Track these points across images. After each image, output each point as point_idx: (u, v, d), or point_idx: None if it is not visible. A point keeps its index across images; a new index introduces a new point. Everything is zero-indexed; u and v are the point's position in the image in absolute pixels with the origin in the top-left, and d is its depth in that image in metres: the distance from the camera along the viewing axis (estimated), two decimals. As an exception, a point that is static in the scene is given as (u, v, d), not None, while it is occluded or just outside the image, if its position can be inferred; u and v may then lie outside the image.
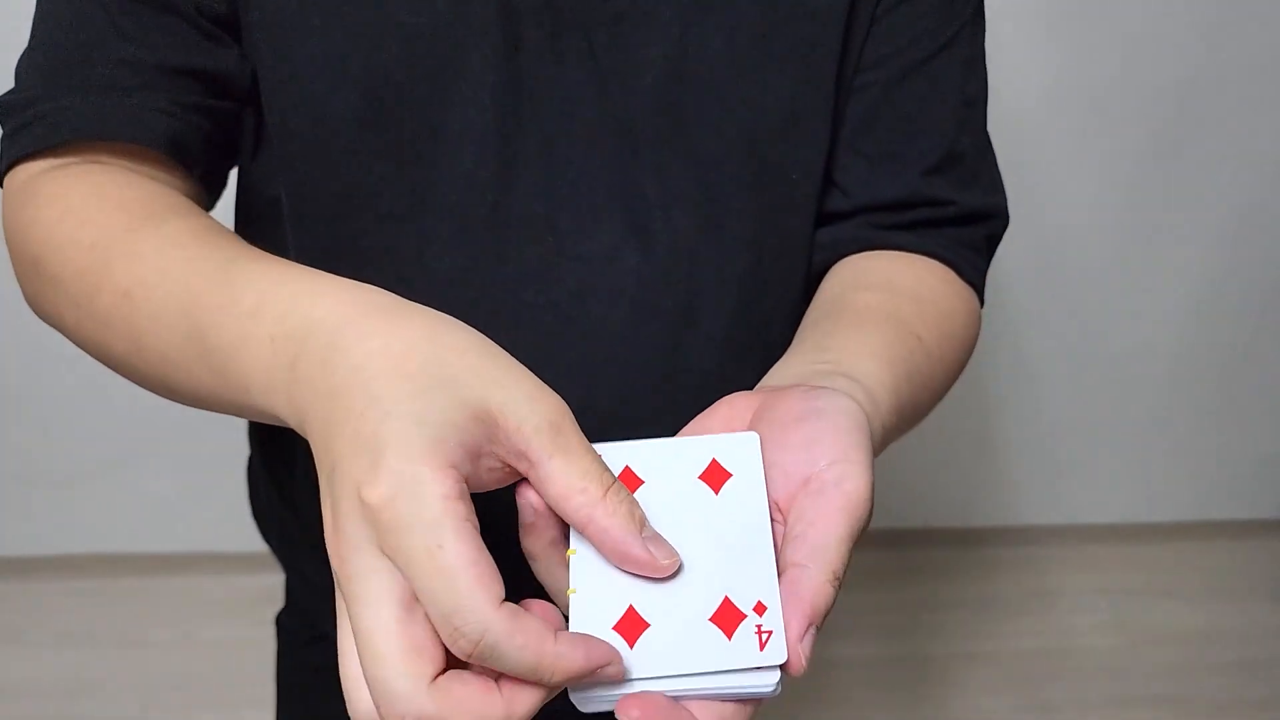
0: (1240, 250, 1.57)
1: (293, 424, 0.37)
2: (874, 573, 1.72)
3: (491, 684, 0.31)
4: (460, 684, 0.31)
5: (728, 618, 0.34)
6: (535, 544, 0.36)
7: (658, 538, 0.35)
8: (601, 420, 0.53)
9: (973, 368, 1.77)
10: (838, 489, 0.36)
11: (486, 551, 0.31)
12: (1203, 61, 1.40)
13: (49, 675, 1.49)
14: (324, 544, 0.34)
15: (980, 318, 0.61)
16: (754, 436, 0.38)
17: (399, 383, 0.33)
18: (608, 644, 0.32)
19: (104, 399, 1.51)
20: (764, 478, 0.37)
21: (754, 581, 0.34)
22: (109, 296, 0.43)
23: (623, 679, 0.32)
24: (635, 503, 0.35)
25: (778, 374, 0.46)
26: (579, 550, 0.35)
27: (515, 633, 0.30)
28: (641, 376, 0.55)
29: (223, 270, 0.41)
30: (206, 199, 0.55)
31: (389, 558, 0.31)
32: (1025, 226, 1.50)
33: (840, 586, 0.35)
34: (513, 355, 0.54)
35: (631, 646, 0.33)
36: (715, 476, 0.37)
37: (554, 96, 0.51)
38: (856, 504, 0.36)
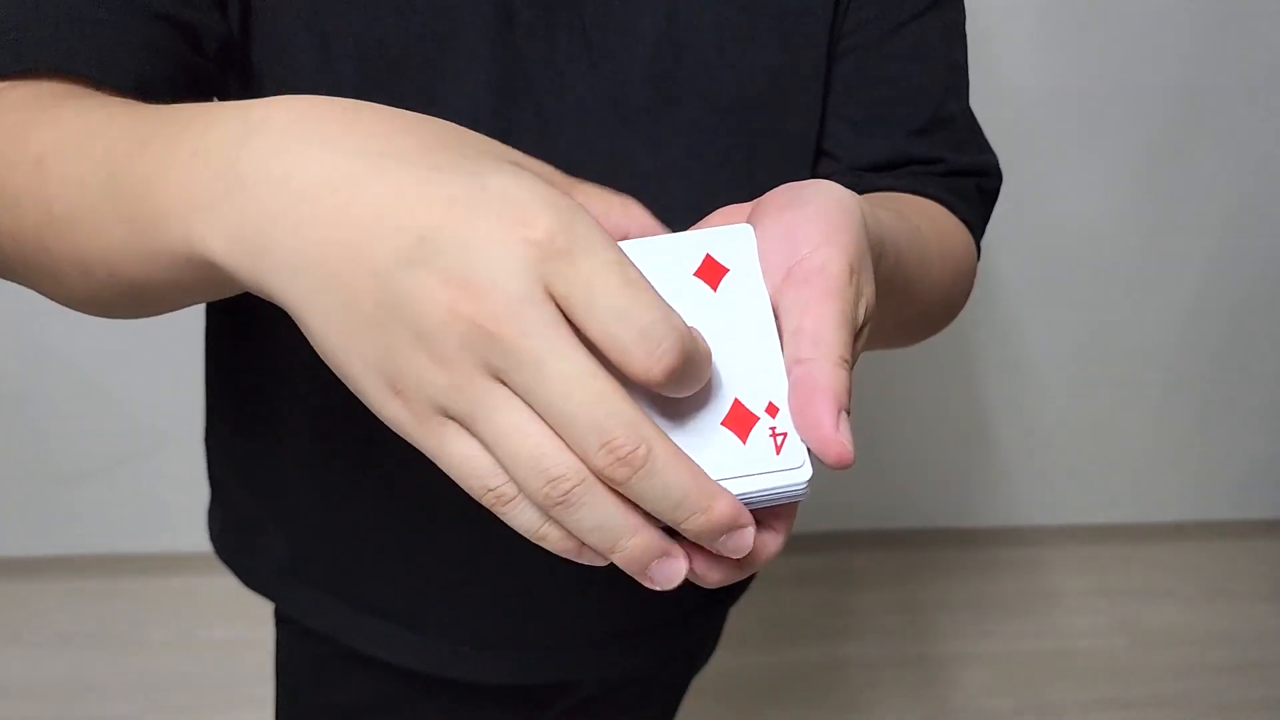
0: (1240, 251, 1.57)
1: (225, 257, 0.29)
2: (874, 573, 1.72)
3: None
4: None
5: (740, 421, 0.32)
6: None
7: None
8: None
9: (972, 368, 1.76)
10: (821, 274, 0.32)
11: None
12: (1203, 63, 1.40)
13: (49, 675, 1.49)
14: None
15: (976, 260, 0.59)
16: (747, 228, 0.35)
17: (444, 155, 0.29)
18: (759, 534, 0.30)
19: (104, 399, 1.51)
20: (761, 272, 0.34)
21: (763, 382, 0.32)
22: (22, 170, 0.37)
23: (749, 547, 0.30)
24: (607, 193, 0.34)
25: None
26: None
27: (682, 457, 0.28)
28: None
29: (148, 116, 0.35)
30: None
31: (555, 296, 0.27)
32: (1025, 227, 1.50)
33: (851, 368, 0.32)
34: None
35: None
36: (711, 273, 0.34)
37: (547, 71, 0.51)
38: (840, 286, 0.32)
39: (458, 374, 0.27)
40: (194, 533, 1.66)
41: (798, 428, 0.32)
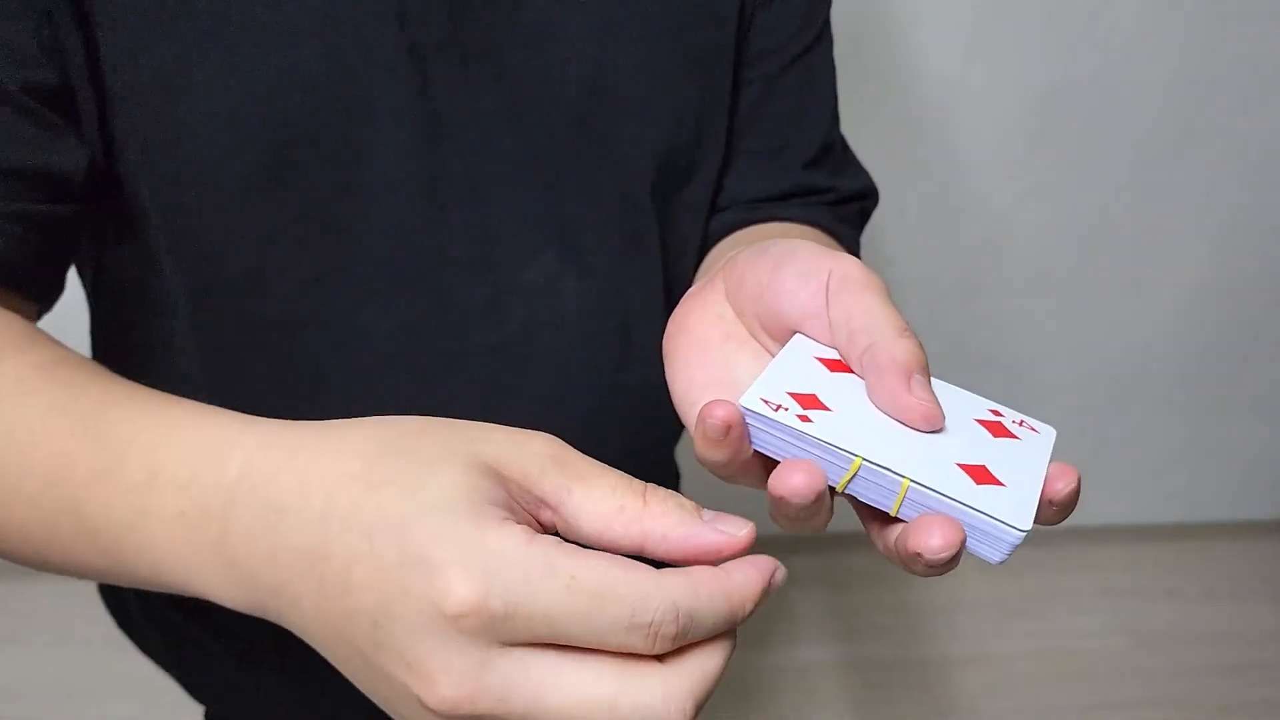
0: (1240, 251, 1.57)
1: (235, 604, 0.31)
2: (874, 574, 1.72)
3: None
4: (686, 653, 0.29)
5: (996, 429, 0.35)
6: (731, 460, 0.33)
7: (721, 515, 0.31)
8: None
9: (972, 368, 1.77)
10: (845, 282, 0.35)
11: (598, 543, 0.29)
12: (1203, 63, 1.39)
13: (49, 675, 1.49)
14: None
15: None
16: (800, 337, 0.37)
17: (385, 494, 0.28)
18: (764, 557, 0.30)
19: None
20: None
21: (962, 401, 0.36)
22: None
23: (781, 581, 0.31)
24: (677, 493, 0.31)
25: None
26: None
27: (697, 587, 0.28)
28: (590, 400, 0.54)
29: (92, 423, 0.33)
30: (39, 309, 0.46)
31: (520, 643, 0.27)
32: (1025, 227, 1.50)
33: (913, 334, 0.34)
34: (465, 401, 0.49)
35: (1003, 484, 0.32)
36: (833, 364, 0.36)
37: (471, 129, 0.48)
38: (864, 281, 0.35)
39: None
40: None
41: (877, 405, 0.33)
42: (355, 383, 0.50)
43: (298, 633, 0.30)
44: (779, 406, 0.33)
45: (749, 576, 0.29)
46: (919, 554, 0.30)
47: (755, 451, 0.33)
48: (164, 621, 0.64)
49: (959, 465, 0.32)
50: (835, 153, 0.61)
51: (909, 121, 1.37)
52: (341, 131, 0.44)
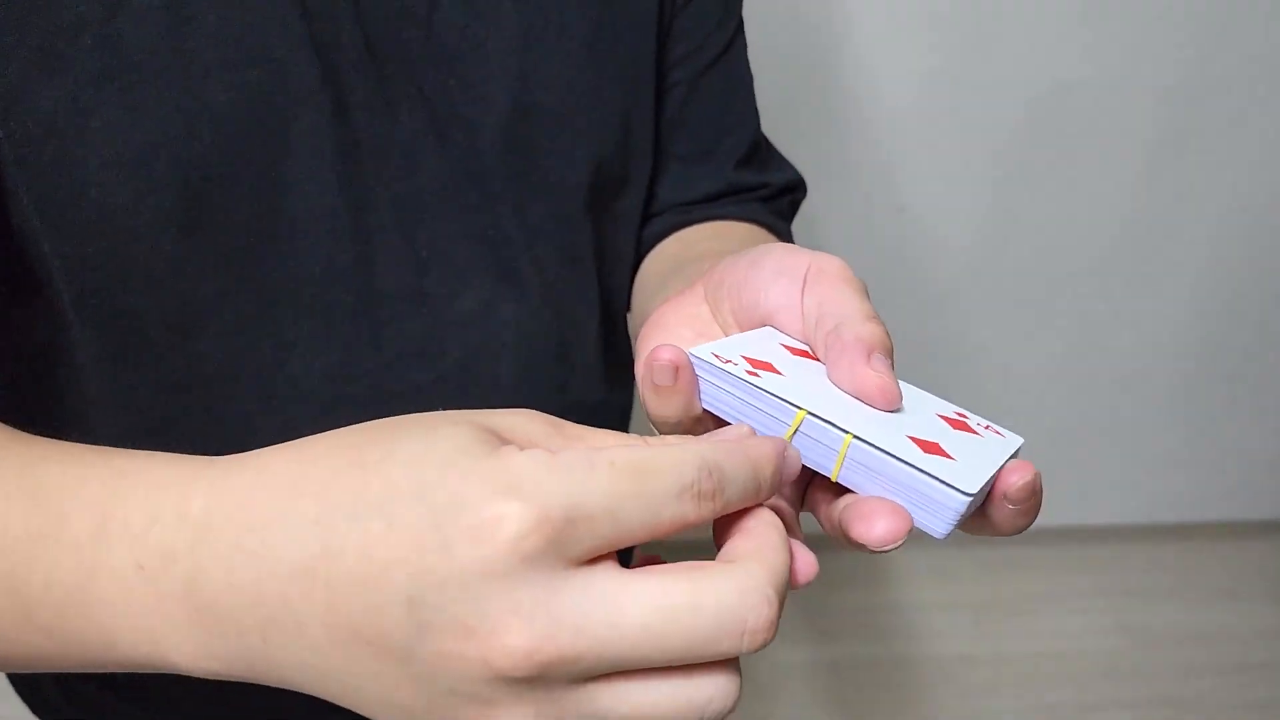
0: (1241, 251, 1.57)
1: (208, 664, 0.26)
2: (874, 574, 1.72)
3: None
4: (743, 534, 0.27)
5: (958, 425, 0.34)
6: (675, 407, 0.32)
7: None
8: None
9: (972, 368, 1.77)
10: (821, 275, 0.35)
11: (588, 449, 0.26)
12: (1204, 63, 1.39)
13: (47, 676, 1.48)
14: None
15: None
16: (769, 330, 0.36)
17: (391, 468, 0.25)
18: (772, 437, 0.29)
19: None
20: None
21: (924, 401, 0.35)
22: None
23: (795, 461, 0.29)
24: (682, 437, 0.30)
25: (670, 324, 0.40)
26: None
27: (716, 445, 0.26)
28: None
29: (20, 482, 0.29)
30: None
31: (583, 561, 0.24)
32: (1025, 226, 1.50)
33: (881, 323, 0.33)
34: None
35: (953, 458, 0.31)
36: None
37: (392, 154, 0.45)
38: (841, 274, 0.34)
39: (543, 705, 0.24)
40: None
41: (836, 382, 0.33)
42: (288, 434, 0.46)
43: (292, 680, 0.26)
44: (728, 361, 0.32)
45: (761, 441, 0.28)
46: (863, 545, 0.29)
47: (706, 413, 0.33)
48: (87, 702, 0.58)
49: (909, 437, 0.31)
50: (762, 149, 0.61)
51: (909, 121, 1.37)
52: (257, 167, 0.42)
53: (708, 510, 0.26)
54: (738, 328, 0.37)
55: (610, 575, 0.24)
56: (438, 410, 0.43)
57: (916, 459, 0.30)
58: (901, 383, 0.34)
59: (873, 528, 0.29)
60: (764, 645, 0.25)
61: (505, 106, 0.47)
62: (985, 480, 0.30)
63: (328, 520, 0.25)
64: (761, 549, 0.26)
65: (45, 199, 0.39)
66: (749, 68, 0.60)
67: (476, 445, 0.25)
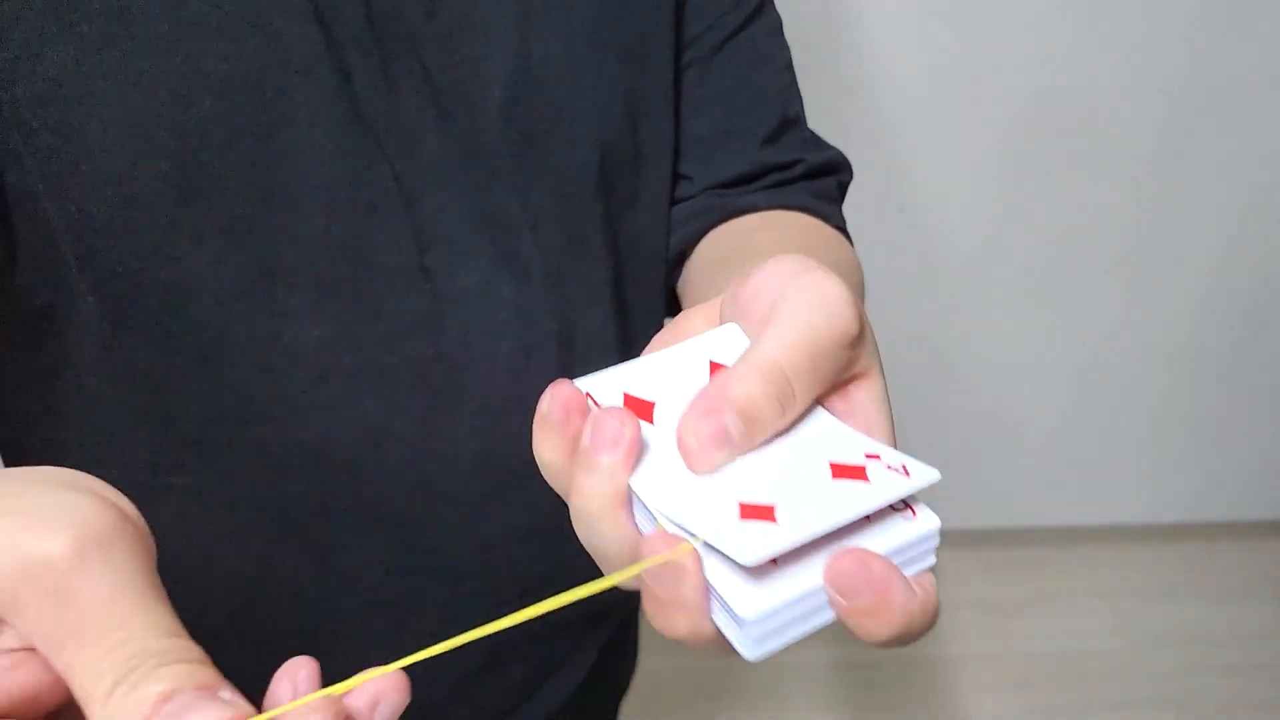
0: (1241, 252, 1.57)
1: None
2: (874, 573, 1.72)
3: None
4: None
5: (850, 472, 0.29)
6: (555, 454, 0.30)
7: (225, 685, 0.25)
8: (503, 472, 0.51)
9: (973, 368, 1.76)
10: (776, 311, 0.30)
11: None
12: (1204, 63, 1.39)
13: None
14: None
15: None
16: (733, 327, 0.33)
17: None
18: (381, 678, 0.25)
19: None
20: None
21: (841, 444, 0.30)
22: None
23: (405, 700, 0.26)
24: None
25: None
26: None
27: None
28: (532, 411, 0.49)
29: None
30: None
31: None
32: (1026, 227, 1.50)
33: (775, 381, 0.29)
34: (399, 416, 0.46)
35: (776, 521, 0.27)
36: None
37: (395, 130, 0.46)
38: (807, 310, 0.29)
39: None
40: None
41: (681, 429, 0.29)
42: (282, 403, 0.48)
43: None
44: (603, 398, 0.30)
45: (306, 711, 0.24)
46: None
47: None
48: None
49: (740, 503, 0.28)
50: (799, 126, 0.59)
51: (909, 121, 1.37)
52: (255, 136, 0.42)
53: None
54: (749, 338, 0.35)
55: None
56: (438, 385, 0.43)
57: (709, 570, 0.27)
58: (821, 420, 0.31)
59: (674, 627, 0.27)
60: None
61: (504, 85, 0.47)
62: (775, 555, 0.26)
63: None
64: None
65: (49, 161, 0.40)
66: (782, 45, 0.58)
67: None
